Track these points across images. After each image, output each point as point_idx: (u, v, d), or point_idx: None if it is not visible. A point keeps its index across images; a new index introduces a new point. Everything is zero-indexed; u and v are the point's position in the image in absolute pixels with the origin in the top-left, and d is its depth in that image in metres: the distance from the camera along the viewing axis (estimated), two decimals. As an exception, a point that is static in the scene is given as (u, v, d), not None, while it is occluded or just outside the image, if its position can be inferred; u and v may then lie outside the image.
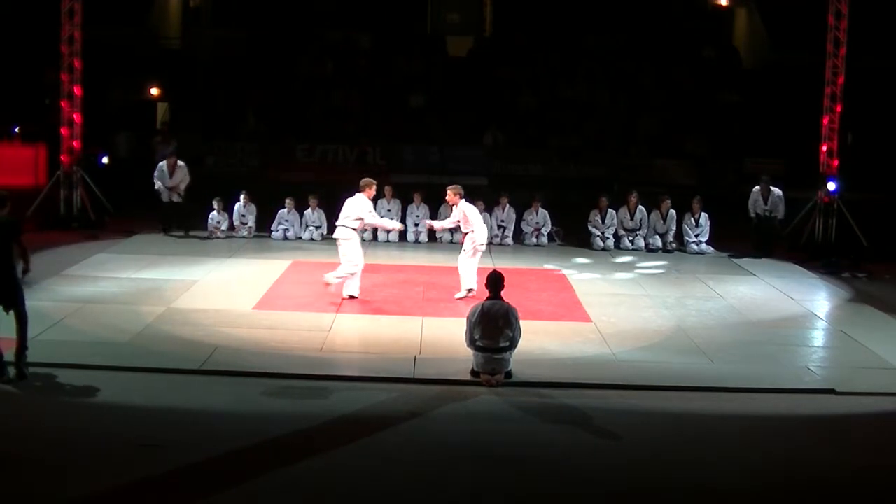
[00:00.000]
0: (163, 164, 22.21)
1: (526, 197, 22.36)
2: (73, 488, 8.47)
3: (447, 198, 16.40)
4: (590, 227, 21.64)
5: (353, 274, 15.53)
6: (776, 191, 21.50)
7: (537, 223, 21.93)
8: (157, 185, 21.96)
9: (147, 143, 30.67)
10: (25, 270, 11.28)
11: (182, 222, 21.82)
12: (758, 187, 21.64)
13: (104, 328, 13.26)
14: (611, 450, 9.92)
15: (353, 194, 15.76)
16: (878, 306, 16.39)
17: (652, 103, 33.23)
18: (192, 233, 21.55)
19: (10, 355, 11.06)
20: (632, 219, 21.59)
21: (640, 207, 21.64)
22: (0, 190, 11.27)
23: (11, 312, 11.10)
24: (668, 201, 21.72)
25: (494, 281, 12.00)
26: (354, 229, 15.67)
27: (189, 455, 9.21)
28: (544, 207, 22.07)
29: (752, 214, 21.57)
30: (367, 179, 16.03)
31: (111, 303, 14.76)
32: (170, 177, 21.94)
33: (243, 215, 21.48)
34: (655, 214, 21.64)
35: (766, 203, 21.42)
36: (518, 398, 11.17)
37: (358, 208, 15.64)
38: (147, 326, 13.50)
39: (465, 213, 16.00)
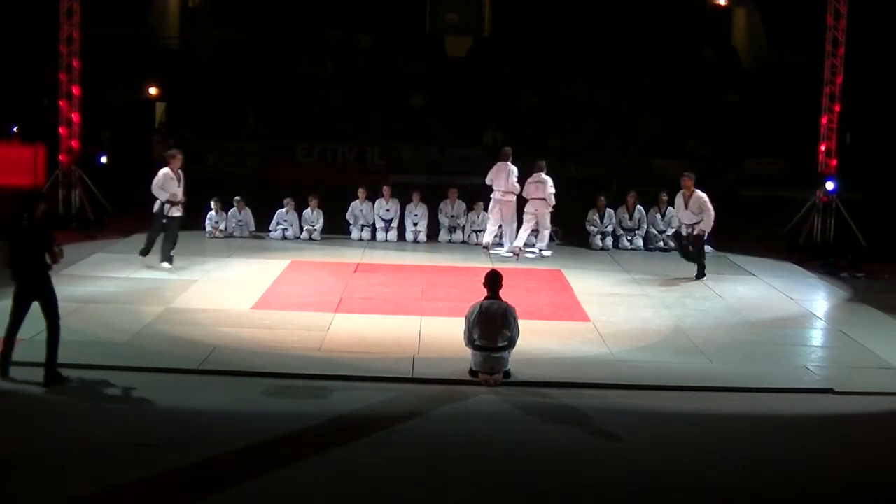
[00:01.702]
0: (167, 170, 17.45)
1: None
2: (71, 488, 8.48)
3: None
4: (588, 227, 21.63)
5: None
6: (700, 195, 17.83)
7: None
8: (163, 197, 17.31)
9: (145, 143, 30.71)
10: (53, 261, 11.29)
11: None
12: (681, 191, 18.16)
13: (103, 328, 13.27)
14: (610, 449, 9.92)
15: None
16: (876, 306, 16.37)
17: (651, 103, 33.26)
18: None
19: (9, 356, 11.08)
20: (630, 218, 21.57)
21: (639, 207, 21.60)
22: (36, 189, 11.31)
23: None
24: (666, 196, 21.67)
25: (493, 280, 12.00)
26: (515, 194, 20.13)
27: (187, 455, 9.21)
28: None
29: (676, 227, 18.87)
30: (508, 148, 20.74)
31: (110, 302, 14.77)
32: (178, 184, 17.59)
33: (239, 220, 21.42)
34: (654, 210, 21.59)
35: (686, 206, 17.95)
36: (516, 398, 11.17)
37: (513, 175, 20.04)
38: (146, 326, 13.50)
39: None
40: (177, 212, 17.47)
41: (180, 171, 17.56)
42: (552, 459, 9.51)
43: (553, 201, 20.12)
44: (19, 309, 11.16)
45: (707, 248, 20.97)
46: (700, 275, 18.01)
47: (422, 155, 30.79)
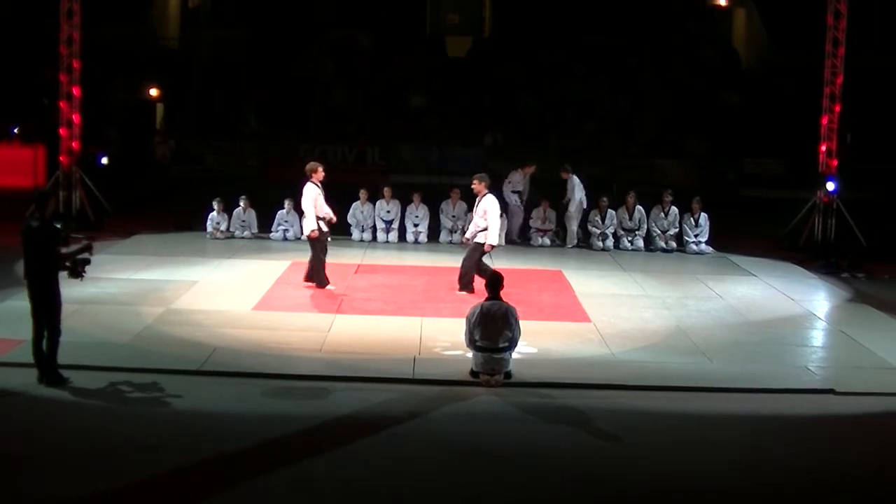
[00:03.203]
0: (314, 186, 16.22)
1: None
2: (72, 489, 8.47)
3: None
4: (589, 228, 21.63)
5: None
6: (488, 199, 15.97)
7: (545, 222, 21.92)
8: (312, 221, 16.11)
9: (147, 144, 30.78)
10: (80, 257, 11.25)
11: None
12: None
13: (104, 329, 13.25)
14: (610, 450, 9.92)
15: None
16: (877, 306, 16.38)
17: (652, 103, 33.30)
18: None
19: (11, 356, 11.06)
20: (630, 219, 21.56)
21: (639, 207, 21.57)
22: (42, 188, 11.29)
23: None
24: (671, 196, 21.62)
25: (494, 282, 12.00)
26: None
27: (188, 456, 9.21)
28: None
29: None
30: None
31: (111, 303, 14.75)
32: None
33: (243, 220, 21.42)
34: (657, 209, 21.56)
35: (475, 211, 16.32)
36: (517, 398, 11.17)
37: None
38: (147, 327, 13.50)
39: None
40: (325, 227, 16.48)
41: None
42: (553, 460, 9.51)
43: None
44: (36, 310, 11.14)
45: (707, 249, 21.03)
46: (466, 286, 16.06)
47: (422, 155, 30.85)
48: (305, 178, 16.37)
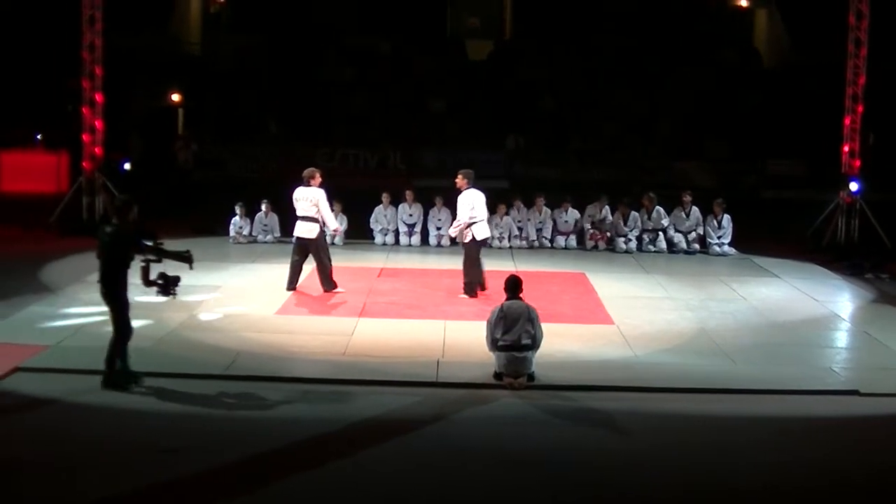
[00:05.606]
0: (322, 192, 16.54)
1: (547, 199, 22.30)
2: (94, 493, 8.50)
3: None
4: (613, 230, 21.60)
5: None
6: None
7: (566, 222, 21.88)
8: (333, 224, 17.05)
9: (169, 149, 30.87)
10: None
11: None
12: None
13: (128, 333, 13.28)
14: (635, 452, 9.88)
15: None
16: (901, 307, 16.33)
17: (673, 105, 33.22)
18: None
19: (35, 361, 11.10)
20: (650, 218, 21.47)
21: (659, 208, 21.51)
22: (123, 196, 11.47)
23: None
24: (689, 196, 21.58)
25: (513, 285, 12.01)
26: None
27: (212, 460, 9.24)
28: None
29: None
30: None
31: (134, 308, 14.65)
32: None
33: (265, 224, 21.44)
34: (678, 210, 21.53)
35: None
36: (541, 401, 11.16)
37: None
38: (170, 332, 13.55)
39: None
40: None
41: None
42: (577, 463, 9.50)
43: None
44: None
45: (730, 250, 20.97)
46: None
47: (443, 159, 30.86)
48: (302, 182, 16.65)
